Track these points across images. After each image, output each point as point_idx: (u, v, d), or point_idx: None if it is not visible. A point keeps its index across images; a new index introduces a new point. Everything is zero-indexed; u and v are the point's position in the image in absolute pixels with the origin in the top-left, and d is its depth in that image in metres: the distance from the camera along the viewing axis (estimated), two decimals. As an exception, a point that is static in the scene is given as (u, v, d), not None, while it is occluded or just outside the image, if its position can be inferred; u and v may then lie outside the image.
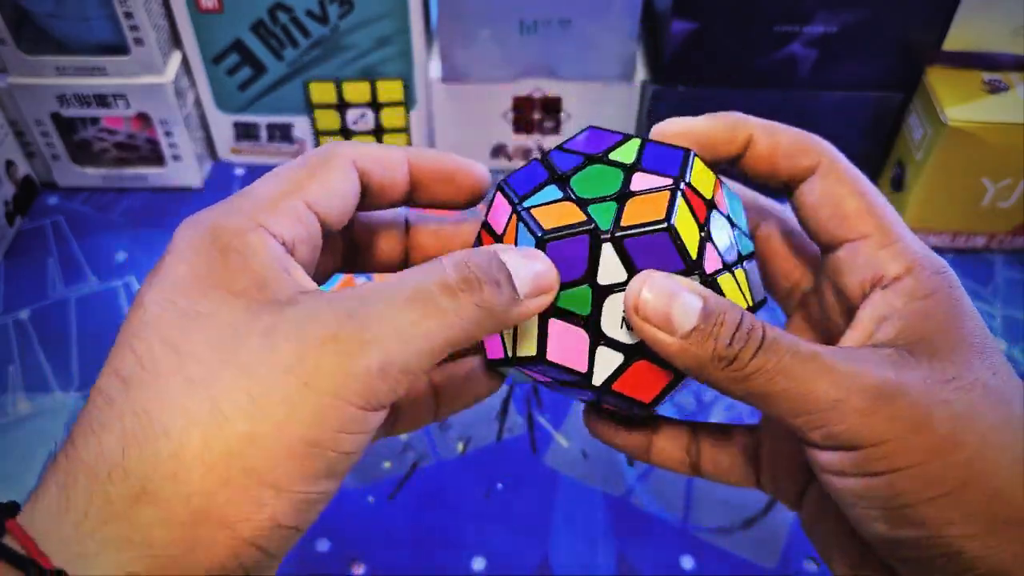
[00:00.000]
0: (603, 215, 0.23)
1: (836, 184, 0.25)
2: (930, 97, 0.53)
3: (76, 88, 0.55)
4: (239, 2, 0.54)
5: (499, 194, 0.26)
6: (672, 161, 0.25)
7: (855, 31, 0.52)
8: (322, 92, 0.59)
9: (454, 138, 0.61)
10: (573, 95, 0.58)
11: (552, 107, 0.59)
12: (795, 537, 0.43)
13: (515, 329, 0.25)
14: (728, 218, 0.26)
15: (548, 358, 0.24)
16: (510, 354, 0.25)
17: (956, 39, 0.53)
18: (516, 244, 0.24)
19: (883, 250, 0.24)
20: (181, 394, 0.19)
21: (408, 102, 0.60)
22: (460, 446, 0.47)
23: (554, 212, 0.24)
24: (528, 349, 0.24)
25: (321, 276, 0.28)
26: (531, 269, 0.23)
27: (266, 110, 0.60)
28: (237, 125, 0.61)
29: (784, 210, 0.29)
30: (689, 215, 0.24)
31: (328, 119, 0.61)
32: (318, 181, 0.24)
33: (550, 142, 0.61)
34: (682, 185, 0.24)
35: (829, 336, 0.26)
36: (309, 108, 0.60)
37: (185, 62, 0.57)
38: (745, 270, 0.26)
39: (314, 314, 0.20)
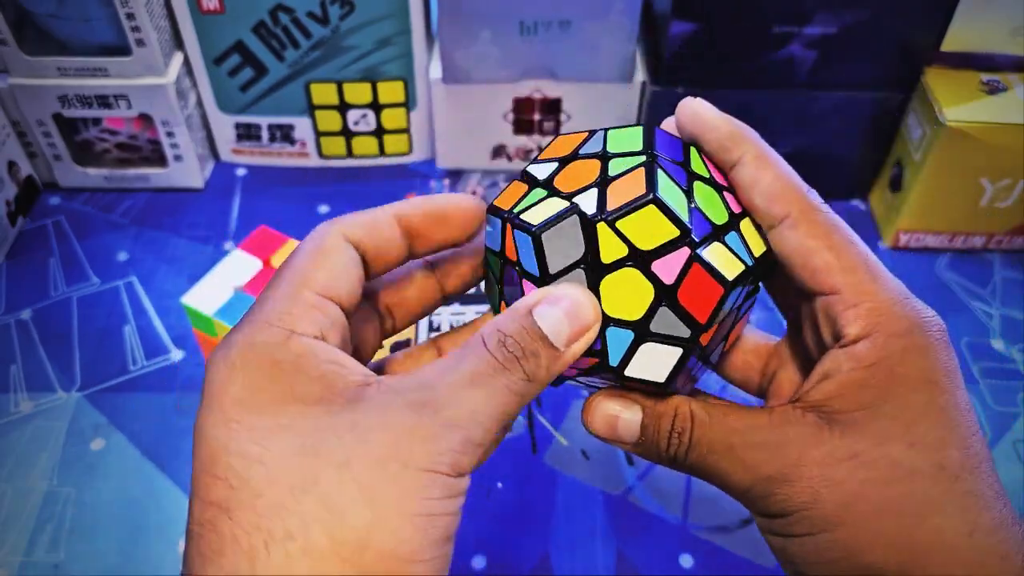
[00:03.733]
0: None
1: (807, 236, 0.24)
2: (928, 98, 0.53)
3: (78, 89, 0.55)
4: (240, 3, 0.54)
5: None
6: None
7: (854, 32, 0.52)
8: (323, 93, 0.59)
9: (454, 139, 0.61)
10: (573, 96, 0.58)
11: (552, 108, 0.59)
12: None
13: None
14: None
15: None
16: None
17: (954, 40, 0.53)
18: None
19: (849, 310, 0.24)
20: (289, 499, 0.20)
21: (409, 103, 0.60)
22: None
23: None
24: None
25: (370, 351, 0.28)
26: (565, 321, 0.23)
27: (267, 111, 0.60)
28: (238, 126, 0.61)
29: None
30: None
31: (329, 120, 0.61)
32: (320, 268, 0.24)
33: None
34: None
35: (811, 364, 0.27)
36: (310, 109, 0.60)
37: (187, 63, 0.57)
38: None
39: (391, 406, 0.22)
